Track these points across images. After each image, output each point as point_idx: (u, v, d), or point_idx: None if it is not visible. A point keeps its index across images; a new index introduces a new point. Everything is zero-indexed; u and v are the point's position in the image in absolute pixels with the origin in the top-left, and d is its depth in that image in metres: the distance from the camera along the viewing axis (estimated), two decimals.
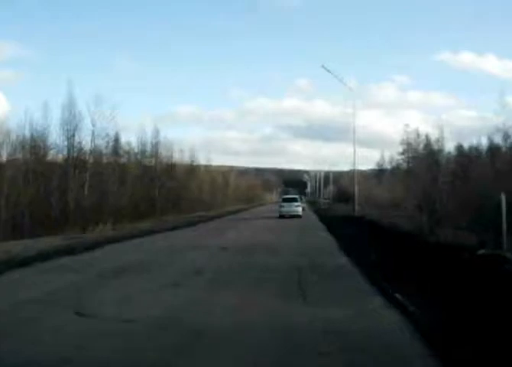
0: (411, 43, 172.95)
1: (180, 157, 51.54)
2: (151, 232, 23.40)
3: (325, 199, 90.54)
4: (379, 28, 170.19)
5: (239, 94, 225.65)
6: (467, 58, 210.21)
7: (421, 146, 64.78)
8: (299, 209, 37.28)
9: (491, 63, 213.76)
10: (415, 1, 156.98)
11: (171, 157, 46.76)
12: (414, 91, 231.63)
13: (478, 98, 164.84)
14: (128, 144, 43.07)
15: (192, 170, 53.08)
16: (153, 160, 39.74)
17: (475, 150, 50.29)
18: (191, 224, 30.58)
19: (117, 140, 43.79)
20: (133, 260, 13.00)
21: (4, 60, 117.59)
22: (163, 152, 41.61)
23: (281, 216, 35.91)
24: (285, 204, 37.48)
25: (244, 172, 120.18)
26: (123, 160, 43.56)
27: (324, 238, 19.80)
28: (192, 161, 54.09)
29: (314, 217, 38.51)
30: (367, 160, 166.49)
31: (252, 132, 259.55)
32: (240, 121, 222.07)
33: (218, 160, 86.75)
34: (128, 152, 43.89)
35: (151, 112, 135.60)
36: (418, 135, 64.87)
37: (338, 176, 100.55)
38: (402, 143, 66.93)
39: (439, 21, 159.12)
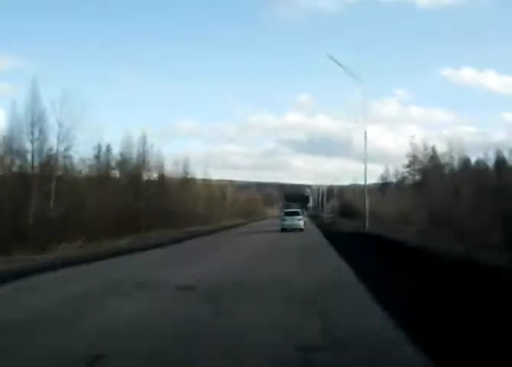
0: (413, 59, 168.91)
1: (175, 169, 47.53)
2: (124, 252, 18.93)
3: (328, 213, 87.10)
4: (381, 43, 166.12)
5: (241, 108, 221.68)
6: (468, 74, 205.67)
7: (427, 158, 60.82)
8: (301, 222, 36.46)
9: (492, 79, 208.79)
10: (417, 18, 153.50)
11: (162, 167, 42.42)
12: (415, 106, 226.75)
13: (479, 114, 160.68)
14: (122, 154, 38.70)
15: (185, 182, 48.54)
16: (140, 169, 34.98)
17: (482, 163, 47.14)
18: (176, 241, 26.21)
19: (109, 150, 39.99)
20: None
21: (2, 73, 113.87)
22: (152, 161, 37.07)
23: (283, 230, 34.99)
24: (287, 218, 36.76)
25: (245, 186, 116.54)
26: (114, 172, 39.43)
27: (336, 266, 13.79)
28: (186, 173, 49.57)
29: (318, 233, 33.63)
30: (369, 174, 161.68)
31: (254, 147, 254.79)
32: (241, 136, 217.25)
33: (219, 174, 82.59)
34: (120, 162, 39.66)
35: (152, 125, 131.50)
36: (425, 148, 60.82)
37: (340, 190, 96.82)
38: (407, 155, 62.77)
39: (440, 38, 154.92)
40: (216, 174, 74.94)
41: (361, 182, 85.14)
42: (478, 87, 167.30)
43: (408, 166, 64.66)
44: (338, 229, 34.03)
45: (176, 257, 17.93)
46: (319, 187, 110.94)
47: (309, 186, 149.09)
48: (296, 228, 34.89)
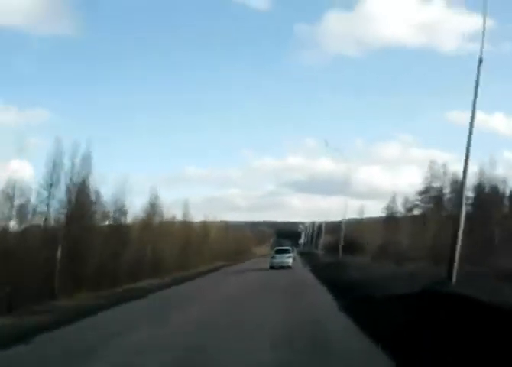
0: (419, 103, 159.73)
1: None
2: None
3: (322, 250, 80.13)
4: (387, 88, 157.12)
5: (246, 153, 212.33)
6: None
7: (447, 184, 49.03)
8: (290, 260, 37.70)
9: (498, 120, 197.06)
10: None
11: (122, 200, 30.02)
12: (416, 148, 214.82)
13: (479, 153, 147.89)
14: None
15: (147, 224, 35.85)
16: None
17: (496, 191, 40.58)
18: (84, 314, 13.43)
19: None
20: None
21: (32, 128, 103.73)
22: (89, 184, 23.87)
23: (271, 267, 35.76)
24: (277, 256, 38.08)
25: (243, 226, 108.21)
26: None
27: None
28: (153, 205, 37.12)
29: (318, 294, 17.10)
30: (368, 210, 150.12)
31: (255, 190, 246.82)
32: (244, 180, 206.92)
33: (219, 217, 73.57)
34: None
35: (157, 173, 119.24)
36: (445, 173, 49.04)
37: (335, 226, 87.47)
38: (424, 181, 50.93)
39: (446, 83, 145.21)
40: (216, 216, 67.20)
41: (364, 215, 73.16)
42: (484, 128, 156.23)
43: (423, 192, 52.96)
44: (360, 280, 18.94)
45: None
46: (313, 223, 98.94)
47: (302, 223, 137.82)
48: (284, 266, 35.73)
